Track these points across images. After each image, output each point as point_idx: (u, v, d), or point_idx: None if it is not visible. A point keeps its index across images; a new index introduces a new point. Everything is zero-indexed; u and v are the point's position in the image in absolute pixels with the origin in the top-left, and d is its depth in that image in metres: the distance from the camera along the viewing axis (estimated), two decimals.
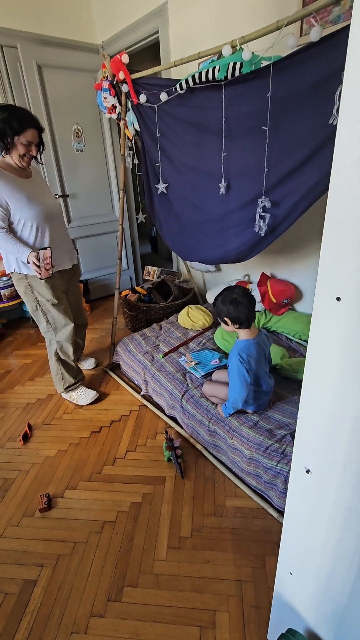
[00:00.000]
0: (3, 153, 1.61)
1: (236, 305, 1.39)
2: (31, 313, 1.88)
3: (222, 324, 1.47)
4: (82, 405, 2.05)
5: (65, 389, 2.06)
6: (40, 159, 1.75)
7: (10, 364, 2.49)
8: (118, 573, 1.21)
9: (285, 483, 1.29)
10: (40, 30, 2.64)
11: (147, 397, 2.06)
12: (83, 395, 2.07)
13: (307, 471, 0.66)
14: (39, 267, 1.62)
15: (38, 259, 1.62)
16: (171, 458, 1.61)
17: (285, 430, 1.45)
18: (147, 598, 1.14)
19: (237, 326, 1.43)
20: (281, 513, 1.36)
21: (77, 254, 2.05)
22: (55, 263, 1.78)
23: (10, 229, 1.68)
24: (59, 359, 1.99)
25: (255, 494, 1.44)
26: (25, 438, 1.81)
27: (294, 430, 1.37)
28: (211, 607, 1.11)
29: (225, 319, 1.42)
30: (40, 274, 1.64)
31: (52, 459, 1.69)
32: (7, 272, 1.81)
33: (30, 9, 2.57)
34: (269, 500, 1.40)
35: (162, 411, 1.93)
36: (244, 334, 1.45)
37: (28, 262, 1.64)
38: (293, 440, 1.33)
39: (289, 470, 1.28)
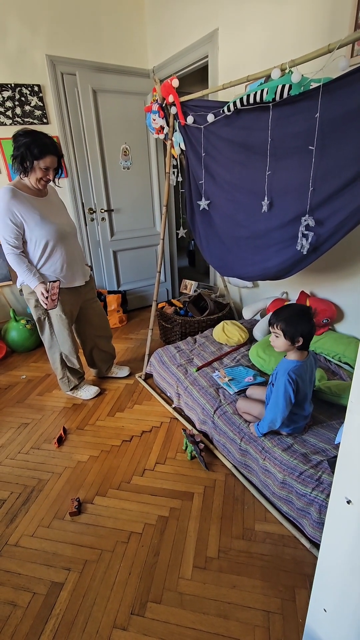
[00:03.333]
0: (21, 175, 1.69)
1: (312, 326, 1.36)
2: (36, 321, 1.97)
3: (278, 340, 1.39)
4: (87, 400, 2.23)
5: (70, 389, 2.22)
6: (57, 182, 1.83)
7: (49, 369, 2.60)
8: (142, 587, 1.20)
9: (320, 512, 1.23)
10: (97, 59, 2.85)
11: (179, 410, 2.06)
12: (87, 391, 2.25)
13: (349, 502, 0.63)
14: (47, 297, 1.72)
15: (47, 290, 1.72)
16: (194, 453, 1.66)
17: (321, 456, 1.39)
18: (170, 617, 1.12)
19: (299, 345, 1.37)
20: (314, 544, 1.29)
21: (92, 270, 2.13)
22: (67, 281, 1.89)
23: (24, 248, 1.77)
24: (65, 365, 2.12)
25: (286, 520, 1.38)
26: (60, 441, 1.87)
27: (332, 457, 1.31)
28: (236, 636, 1.07)
29: (300, 338, 1.35)
30: (47, 304, 1.74)
31: (84, 464, 1.73)
32: (18, 286, 1.89)
33: (90, 39, 2.79)
34: (301, 529, 1.33)
35: (194, 425, 1.92)
36: (296, 355, 1.41)
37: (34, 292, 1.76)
38: (330, 468, 1.28)
39: (324, 499, 1.23)
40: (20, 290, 2.94)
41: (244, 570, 1.23)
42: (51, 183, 1.80)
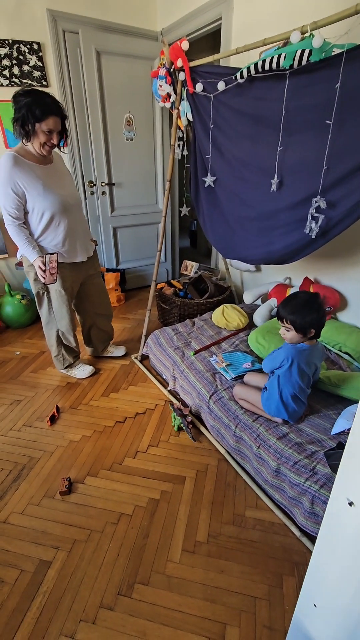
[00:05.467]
0: (24, 140, 1.57)
1: (323, 315, 1.32)
2: (35, 295, 1.91)
3: (289, 333, 1.34)
4: (81, 379, 2.19)
5: (65, 367, 2.18)
6: (62, 147, 1.71)
7: (44, 345, 2.55)
8: (130, 568, 1.20)
9: (312, 502, 1.21)
10: (102, 16, 2.65)
11: (173, 393, 2.03)
12: (81, 370, 2.20)
13: (350, 504, 0.59)
14: (44, 271, 1.65)
15: (44, 264, 1.65)
16: (182, 425, 1.70)
17: (316, 446, 1.36)
18: (157, 598, 1.12)
19: (312, 335, 1.33)
20: (304, 532, 1.29)
21: (96, 245, 2.04)
22: (68, 256, 1.81)
23: (26, 219, 1.68)
24: (61, 342, 2.07)
25: (277, 508, 1.38)
26: (53, 420, 1.85)
27: (330, 449, 1.28)
28: (222, 620, 1.07)
29: (312, 329, 1.32)
30: (44, 278, 1.67)
31: (76, 443, 1.71)
32: (18, 257, 1.80)
33: None
34: (291, 517, 1.33)
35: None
36: (305, 341, 1.37)
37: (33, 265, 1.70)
38: (327, 460, 1.25)
39: (317, 490, 1.21)
40: (17, 264, 2.86)
41: (232, 556, 1.23)
42: (56, 149, 1.69)
